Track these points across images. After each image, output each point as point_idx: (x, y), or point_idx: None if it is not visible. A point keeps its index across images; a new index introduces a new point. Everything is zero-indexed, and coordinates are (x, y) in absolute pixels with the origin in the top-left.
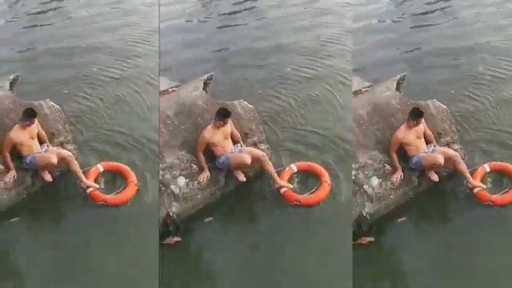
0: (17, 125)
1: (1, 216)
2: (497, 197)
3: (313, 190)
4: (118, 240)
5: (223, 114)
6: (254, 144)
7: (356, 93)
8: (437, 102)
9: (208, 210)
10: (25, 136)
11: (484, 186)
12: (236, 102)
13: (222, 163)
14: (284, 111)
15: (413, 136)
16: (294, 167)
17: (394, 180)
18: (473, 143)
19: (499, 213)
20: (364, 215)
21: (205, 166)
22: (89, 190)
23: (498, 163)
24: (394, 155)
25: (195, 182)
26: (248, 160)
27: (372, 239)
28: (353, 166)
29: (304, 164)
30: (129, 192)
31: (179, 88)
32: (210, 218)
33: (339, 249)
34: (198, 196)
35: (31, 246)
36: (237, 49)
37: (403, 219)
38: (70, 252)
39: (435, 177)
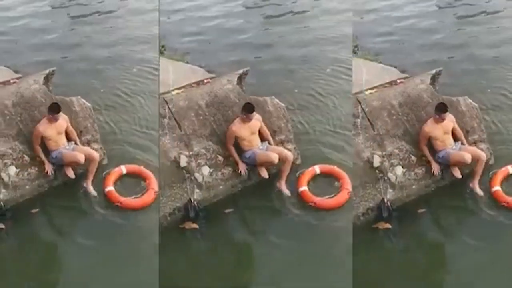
0: (44, 119)
1: (22, 206)
2: None
3: (332, 195)
4: (119, 240)
5: (247, 109)
6: (281, 143)
7: (390, 83)
8: (469, 99)
9: (228, 201)
10: (52, 131)
11: (482, 193)
12: (267, 99)
13: (249, 157)
14: (318, 112)
15: (440, 131)
16: (317, 169)
17: (436, 173)
18: (504, 142)
19: None
20: (385, 201)
21: (238, 159)
22: (107, 189)
23: None
24: (425, 148)
25: (219, 173)
26: (276, 160)
27: (389, 226)
28: (379, 153)
29: (327, 167)
30: (147, 198)
31: (213, 80)
32: (230, 210)
33: (340, 247)
34: (220, 187)
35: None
36: (278, 50)
37: (423, 210)
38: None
39: (458, 174)
